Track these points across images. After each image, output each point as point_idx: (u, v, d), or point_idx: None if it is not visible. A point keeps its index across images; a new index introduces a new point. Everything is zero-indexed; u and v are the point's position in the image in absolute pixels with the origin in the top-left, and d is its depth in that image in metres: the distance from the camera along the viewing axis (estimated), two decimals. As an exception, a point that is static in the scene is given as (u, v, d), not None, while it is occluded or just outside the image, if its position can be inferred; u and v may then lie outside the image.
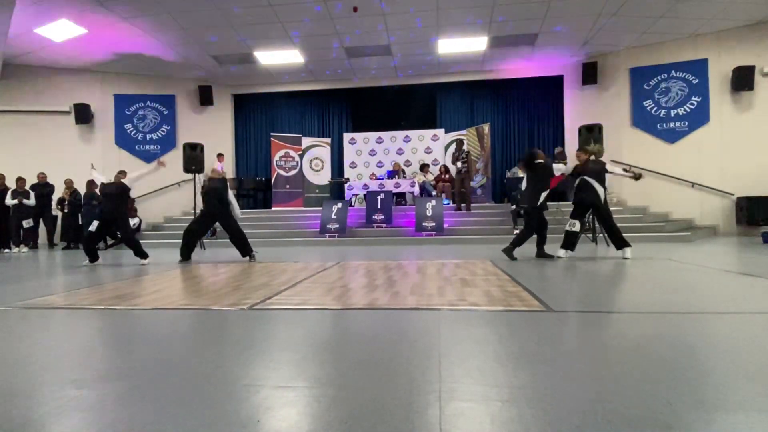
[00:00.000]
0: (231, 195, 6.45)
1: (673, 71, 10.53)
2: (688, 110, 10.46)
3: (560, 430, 1.23)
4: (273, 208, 12.05)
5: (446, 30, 9.83)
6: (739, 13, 9.30)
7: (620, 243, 5.55)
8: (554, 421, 1.28)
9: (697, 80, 10.35)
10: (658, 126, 10.71)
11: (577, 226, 5.67)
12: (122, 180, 6.18)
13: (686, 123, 10.48)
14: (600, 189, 5.49)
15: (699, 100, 10.35)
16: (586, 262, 5.38)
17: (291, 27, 9.53)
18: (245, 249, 6.20)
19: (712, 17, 9.40)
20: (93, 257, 6.10)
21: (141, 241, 9.95)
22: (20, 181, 9.64)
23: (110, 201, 6.08)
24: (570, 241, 5.74)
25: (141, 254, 6.14)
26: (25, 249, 9.45)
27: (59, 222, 10.57)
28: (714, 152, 10.21)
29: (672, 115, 10.59)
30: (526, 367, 1.75)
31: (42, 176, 10.16)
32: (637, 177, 5.63)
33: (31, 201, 9.58)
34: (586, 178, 5.58)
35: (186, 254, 6.27)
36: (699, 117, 10.36)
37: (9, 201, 9.44)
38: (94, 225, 6.04)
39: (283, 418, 1.36)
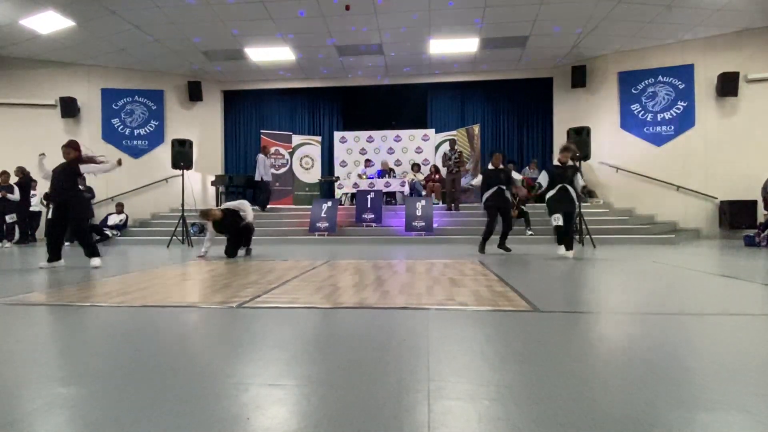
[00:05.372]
0: (247, 210, 6.45)
1: (660, 76, 10.69)
2: (675, 114, 10.64)
3: (547, 428, 1.25)
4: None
5: (438, 30, 9.87)
6: (725, 21, 9.47)
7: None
8: (540, 419, 1.30)
9: (683, 85, 10.52)
10: (644, 129, 10.87)
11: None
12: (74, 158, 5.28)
13: (672, 127, 10.66)
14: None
15: (685, 104, 10.53)
16: (573, 262, 5.44)
17: (282, 23, 9.48)
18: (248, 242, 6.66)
19: (699, 24, 9.56)
20: (54, 256, 5.19)
21: (128, 238, 9.98)
22: (3, 174, 9.46)
23: (59, 181, 5.22)
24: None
25: (92, 252, 5.24)
26: (8, 244, 9.29)
27: (43, 217, 10.41)
28: (698, 156, 10.40)
29: (659, 119, 10.76)
30: (513, 366, 1.77)
31: (18, 171, 9.86)
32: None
33: (15, 196, 9.40)
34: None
35: (231, 253, 6.35)
36: (685, 121, 10.54)
37: (-8, 195, 9.25)
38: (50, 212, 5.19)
39: (273, 416, 1.36)
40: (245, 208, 6.49)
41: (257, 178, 10.73)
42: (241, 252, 6.54)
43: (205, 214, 6.36)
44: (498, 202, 6.42)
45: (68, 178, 5.27)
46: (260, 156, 10.82)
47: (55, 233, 5.35)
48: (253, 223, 6.59)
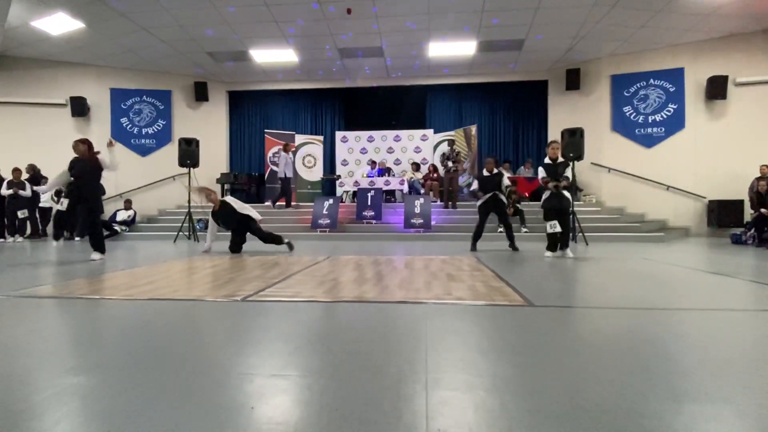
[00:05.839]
0: (243, 207, 6.46)
1: (651, 79, 10.84)
2: (665, 117, 10.78)
3: (540, 419, 1.29)
4: (266, 203, 12.05)
5: (437, 34, 9.97)
6: (714, 26, 9.65)
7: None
8: (535, 410, 1.33)
9: (673, 88, 10.66)
10: (636, 131, 11.00)
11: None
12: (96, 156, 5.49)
13: (663, 129, 10.80)
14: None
15: (675, 107, 10.67)
16: (566, 259, 5.51)
17: (286, 26, 9.55)
18: (277, 241, 6.53)
19: (689, 29, 9.70)
20: (59, 235, 5.56)
21: (136, 233, 10.02)
22: (16, 171, 9.68)
23: (84, 178, 5.44)
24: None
25: (98, 247, 5.49)
26: (20, 239, 9.42)
27: (53, 213, 10.51)
28: (688, 157, 10.55)
29: (650, 121, 10.90)
30: (509, 358, 1.81)
31: (30, 169, 10.05)
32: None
33: (27, 192, 9.59)
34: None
35: (235, 249, 6.41)
36: (675, 123, 10.70)
37: (4, 191, 9.47)
38: (64, 203, 5.60)
39: (277, 405, 1.40)
40: (250, 213, 6.45)
41: (280, 175, 11.03)
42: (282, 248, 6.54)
43: (206, 191, 6.43)
44: (493, 205, 6.70)
45: (94, 177, 5.43)
46: (282, 154, 11.10)
47: (63, 219, 5.51)
48: (258, 222, 6.57)
